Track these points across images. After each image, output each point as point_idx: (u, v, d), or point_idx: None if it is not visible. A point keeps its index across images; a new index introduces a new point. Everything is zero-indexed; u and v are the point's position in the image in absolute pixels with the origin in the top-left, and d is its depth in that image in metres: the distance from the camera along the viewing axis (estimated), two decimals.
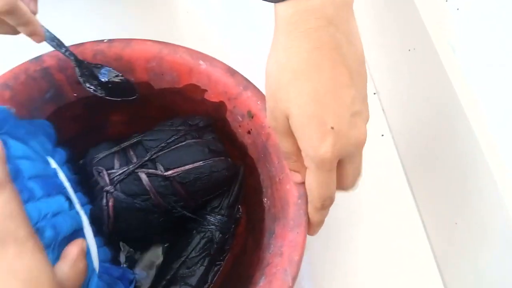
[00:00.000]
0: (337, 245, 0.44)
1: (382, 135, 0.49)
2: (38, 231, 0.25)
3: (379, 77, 0.52)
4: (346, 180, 0.28)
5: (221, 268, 0.37)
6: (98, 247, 0.30)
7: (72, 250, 0.25)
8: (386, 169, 0.48)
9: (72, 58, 0.35)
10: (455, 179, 0.40)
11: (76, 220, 0.30)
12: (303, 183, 0.30)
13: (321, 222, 0.30)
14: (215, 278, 0.36)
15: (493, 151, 0.35)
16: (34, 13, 0.33)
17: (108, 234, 0.33)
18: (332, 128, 0.25)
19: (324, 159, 0.25)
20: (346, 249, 0.44)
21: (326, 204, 0.28)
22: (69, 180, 0.33)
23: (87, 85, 0.36)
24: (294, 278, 0.27)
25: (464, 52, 0.40)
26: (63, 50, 0.35)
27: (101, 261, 0.30)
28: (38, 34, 0.33)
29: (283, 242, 0.29)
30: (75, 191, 0.33)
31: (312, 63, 0.25)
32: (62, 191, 0.31)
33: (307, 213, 0.29)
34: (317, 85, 0.25)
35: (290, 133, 0.27)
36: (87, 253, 0.27)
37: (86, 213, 0.32)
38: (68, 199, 0.31)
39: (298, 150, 0.27)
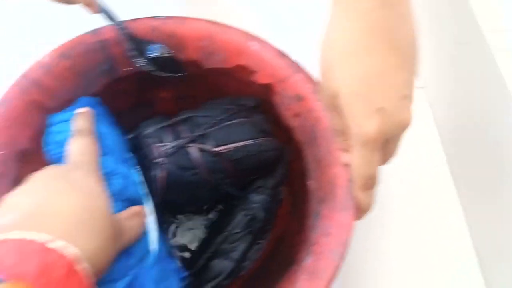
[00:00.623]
0: (375, 236, 0.44)
1: (428, 130, 0.49)
2: (108, 176, 0.28)
3: (426, 71, 0.51)
4: (382, 158, 0.29)
5: (262, 247, 0.37)
6: (159, 237, 0.31)
7: (131, 208, 0.27)
8: (431, 165, 0.47)
9: (124, 32, 0.36)
10: (502, 176, 0.39)
11: (142, 196, 0.31)
12: None
13: (367, 205, 0.30)
14: (256, 256, 0.37)
15: None
16: None
17: (157, 205, 0.34)
18: (380, 109, 0.25)
19: (369, 138, 0.26)
20: (382, 238, 0.43)
21: (368, 184, 0.28)
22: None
23: (137, 60, 0.37)
24: (342, 258, 0.27)
25: None
26: (115, 23, 0.36)
27: (158, 249, 0.30)
28: (92, 5, 0.34)
29: (331, 223, 0.29)
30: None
31: (364, 44, 0.25)
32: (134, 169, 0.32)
33: None
34: (368, 66, 0.25)
35: (340, 112, 0.27)
36: (145, 233, 0.28)
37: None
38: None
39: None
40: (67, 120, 0.31)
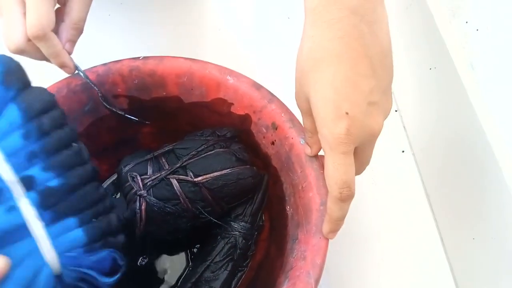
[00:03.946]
0: (354, 258, 0.44)
1: (403, 151, 0.50)
2: None
3: (400, 94, 0.54)
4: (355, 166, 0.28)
5: (243, 275, 0.38)
6: (67, 230, 0.28)
7: None
8: (406, 185, 0.49)
9: (97, 89, 0.39)
10: (474, 195, 0.40)
11: (14, 217, 0.26)
12: (315, 156, 0.34)
13: (340, 220, 0.29)
14: (238, 284, 0.37)
15: (511, 168, 0.36)
16: (70, 53, 0.36)
17: (139, 236, 0.35)
18: (347, 113, 0.26)
19: (337, 139, 0.26)
20: (363, 263, 0.44)
21: (344, 194, 0.28)
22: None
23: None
24: (317, 281, 0.28)
25: (483, 71, 0.41)
26: (89, 82, 0.38)
27: (67, 250, 0.27)
28: (67, 66, 0.36)
29: (307, 246, 0.30)
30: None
31: (332, 52, 0.26)
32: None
33: None
34: (336, 73, 0.26)
35: (310, 114, 0.29)
36: (34, 250, 0.26)
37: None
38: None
39: (316, 129, 0.29)
40: None
